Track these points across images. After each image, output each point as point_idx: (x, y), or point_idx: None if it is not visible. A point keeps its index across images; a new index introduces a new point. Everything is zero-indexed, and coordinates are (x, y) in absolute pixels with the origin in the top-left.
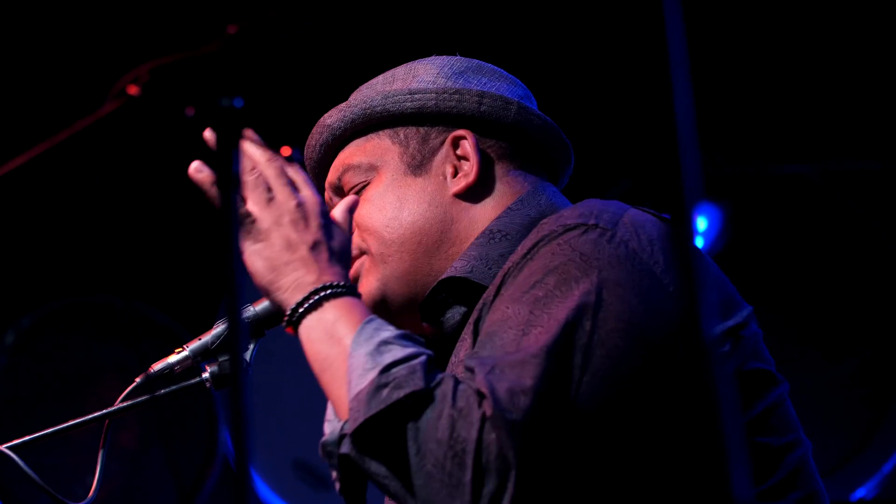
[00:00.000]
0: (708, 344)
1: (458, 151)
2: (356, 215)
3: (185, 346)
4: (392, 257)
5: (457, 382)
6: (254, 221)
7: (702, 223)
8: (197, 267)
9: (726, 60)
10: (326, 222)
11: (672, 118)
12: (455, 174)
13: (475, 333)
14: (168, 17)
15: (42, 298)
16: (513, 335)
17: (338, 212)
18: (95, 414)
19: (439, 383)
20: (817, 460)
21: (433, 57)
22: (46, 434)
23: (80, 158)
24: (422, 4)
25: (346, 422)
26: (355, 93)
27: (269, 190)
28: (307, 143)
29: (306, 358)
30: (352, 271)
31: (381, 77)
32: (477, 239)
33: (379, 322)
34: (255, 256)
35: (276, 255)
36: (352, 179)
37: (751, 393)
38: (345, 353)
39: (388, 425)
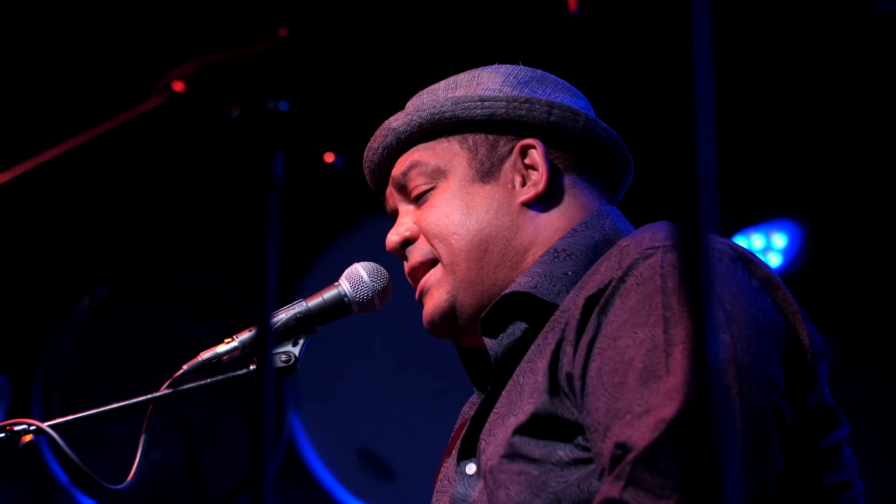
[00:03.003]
0: (708, 362)
1: (527, 160)
2: (423, 222)
3: (234, 337)
4: (460, 266)
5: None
6: None
7: (780, 241)
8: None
9: (819, 77)
10: None
11: (692, 128)
12: (523, 183)
13: (554, 356)
14: (219, 16)
15: (119, 269)
16: (657, 357)
17: None
18: (140, 398)
19: None
20: (881, 489)
21: (496, 65)
22: (90, 415)
23: (134, 144)
24: (469, 15)
25: None
26: (415, 98)
27: None
28: (369, 145)
29: None
30: (421, 284)
31: (442, 83)
32: (541, 257)
33: None
34: None
35: None
36: (417, 179)
37: (822, 428)
38: None
39: None
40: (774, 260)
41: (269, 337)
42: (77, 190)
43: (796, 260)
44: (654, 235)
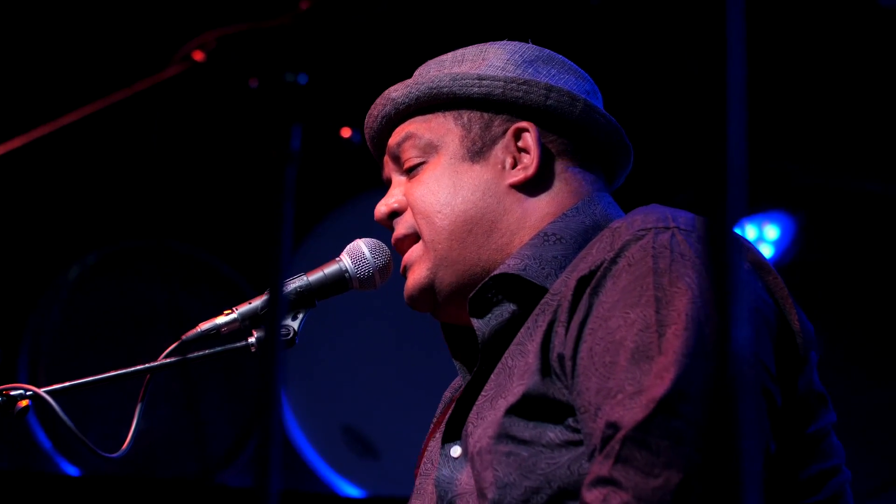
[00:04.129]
0: (734, 354)
1: (520, 143)
2: (411, 196)
3: (234, 309)
4: (441, 244)
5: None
6: None
7: (773, 232)
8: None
9: (820, 72)
10: None
11: (723, 128)
12: (514, 165)
13: (546, 337)
14: None
15: (109, 238)
16: (649, 337)
17: None
18: (137, 367)
19: None
20: (866, 483)
21: (505, 42)
22: (86, 382)
23: (153, 114)
24: None
25: None
26: (422, 67)
27: None
28: (369, 112)
29: None
30: (405, 258)
31: (449, 55)
32: (531, 240)
33: None
34: None
35: None
36: (409, 152)
37: (811, 414)
38: None
39: None
40: (766, 251)
41: (281, 309)
42: (75, 158)
43: (788, 252)
44: (646, 217)
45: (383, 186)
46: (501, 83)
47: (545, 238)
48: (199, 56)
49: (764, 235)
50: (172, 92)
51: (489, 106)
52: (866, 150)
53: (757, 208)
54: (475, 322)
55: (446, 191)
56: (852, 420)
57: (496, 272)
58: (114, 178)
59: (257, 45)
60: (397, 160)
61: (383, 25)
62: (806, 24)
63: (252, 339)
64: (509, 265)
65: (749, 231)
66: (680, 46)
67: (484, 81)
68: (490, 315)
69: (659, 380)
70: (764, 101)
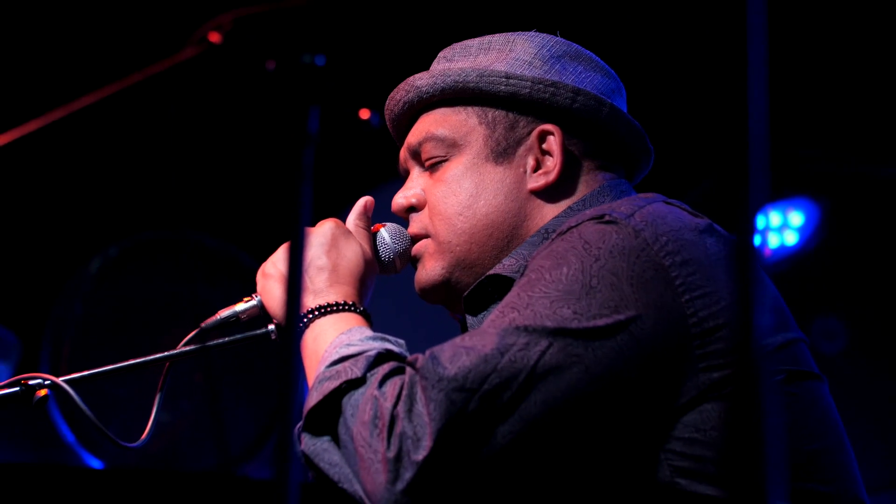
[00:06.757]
0: (756, 351)
1: (544, 146)
2: (431, 196)
3: (253, 295)
4: (460, 247)
5: (393, 369)
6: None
7: (797, 219)
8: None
9: (841, 58)
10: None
11: (744, 121)
12: (536, 168)
13: None
14: None
15: (131, 230)
16: (494, 316)
17: (350, 221)
18: (157, 355)
19: (375, 371)
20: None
21: (533, 33)
22: (105, 371)
23: (170, 98)
24: None
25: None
26: (447, 51)
27: None
28: (391, 95)
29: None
30: (415, 249)
31: (476, 41)
32: (531, 237)
33: (361, 330)
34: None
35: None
36: (432, 151)
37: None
38: (317, 358)
39: (326, 414)
40: (791, 238)
41: (298, 294)
42: (95, 148)
43: (813, 238)
44: (599, 207)
45: (401, 175)
46: (529, 83)
47: (545, 235)
48: (215, 38)
49: (788, 222)
50: (189, 75)
51: (515, 105)
52: (890, 136)
53: (781, 195)
54: (469, 319)
55: (468, 192)
56: (876, 408)
57: (491, 272)
58: (133, 167)
59: (274, 26)
60: (417, 157)
61: (401, 5)
62: (826, 8)
63: (272, 326)
64: (504, 266)
65: (773, 218)
66: (702, 32)
67: (511, 80)
68: (485, 312)
69: (453, 364)
70: (787, 88)
